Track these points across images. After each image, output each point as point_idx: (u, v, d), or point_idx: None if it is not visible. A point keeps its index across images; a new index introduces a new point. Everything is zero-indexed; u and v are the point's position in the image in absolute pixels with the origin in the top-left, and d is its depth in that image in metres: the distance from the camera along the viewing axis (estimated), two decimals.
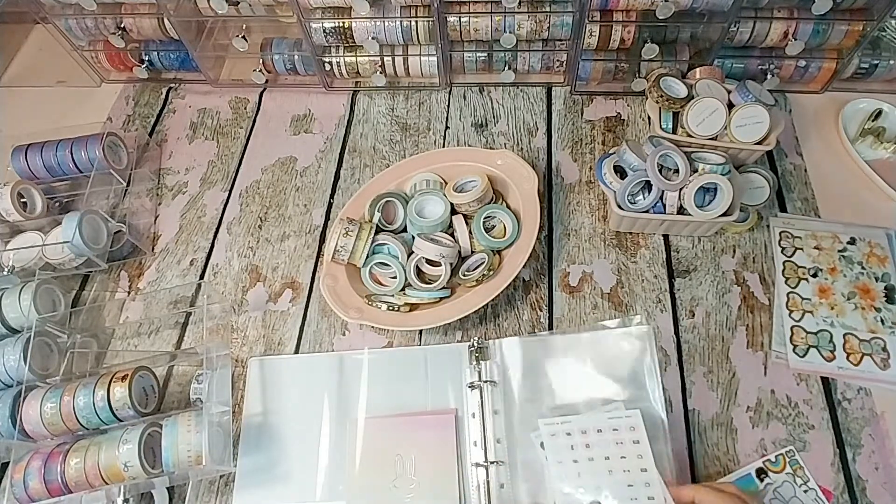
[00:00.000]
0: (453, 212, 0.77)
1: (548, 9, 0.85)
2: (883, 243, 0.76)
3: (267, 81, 0.98)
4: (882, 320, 0.71)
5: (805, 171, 0.84)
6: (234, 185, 0.90)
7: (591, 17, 0.82)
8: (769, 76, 0.88)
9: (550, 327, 0.74)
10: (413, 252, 0.74)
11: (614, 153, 0.77)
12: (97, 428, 0.65)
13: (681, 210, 0.73)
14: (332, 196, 0.87)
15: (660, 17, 0.80)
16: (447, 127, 0.93)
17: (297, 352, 0.75)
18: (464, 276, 0.74)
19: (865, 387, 0.68)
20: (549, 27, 0.86)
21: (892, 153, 0.83)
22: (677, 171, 0.72)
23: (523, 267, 0.72)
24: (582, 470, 0.61)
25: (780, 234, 0.78)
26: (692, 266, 0.77)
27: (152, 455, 0.63)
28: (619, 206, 0.75)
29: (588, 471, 0.61)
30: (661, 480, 0.59)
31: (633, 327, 0.71)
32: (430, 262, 0.74)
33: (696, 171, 0.72)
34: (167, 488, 0.66)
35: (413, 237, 0.75)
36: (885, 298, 0.72)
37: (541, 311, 0.75)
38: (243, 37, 0.91)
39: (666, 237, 0.79)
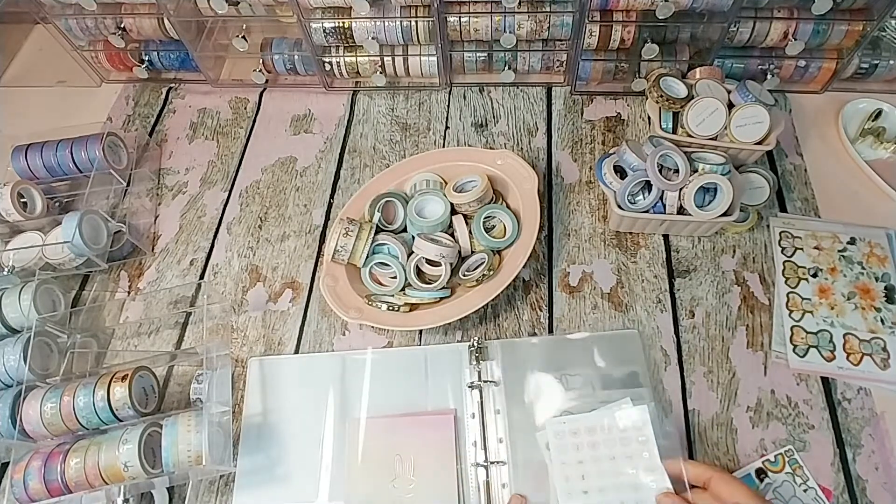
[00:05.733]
0: (453, 212, 0.77)
1: (548, 9, 0.85)
2: (883, 243, 0.76)
3: (267, 81, 0.98)
4: (882, 320, 0.71)
5: (805, 171, 0.84)
6: (234, 185, 0.90)
7: (591, 17, 0.82)
8: (769, 76, 0.88)
9: (550, 327, 0.74)
10: (413, 252, 0.74)
11: (614, 153, 0.77)
12: (97, 428, 0.65)
13: (681, 210, 0.73)
14: (332, 196, 0.87)
15: (660, 17, 0.80)
16: (447, 127, 0.93)
17: (297, 352, 0.75)
18: (464, 276, 0.74)
19: (865, 387, 0.68)
20: (549, 27, 0.86)
21: (892, 153, 0.83)
22: (677, 171, 0.72)
23: (523, 267, 0.72)
24: (586, 471, 0.61)
25: (780, 234, 0.78)
26: (692, 266, 0.77)
27: (152, 455, 0.63)
28: (619, 206, 0.75)
29: (592, 472, 0.61)
30: (667, 479, 0.59)
31: (627, 331, 0.71)
32: (430, 262, 0.74)
33: (696, 171, 0.72)
34: (167, 488, 0.66)
35: (413, 237, 0.75)
36: (885, 298, 0.72)
37: (541, 311, 0.75)
38: (243, 37, 0.91)
39: (666, 237, 0.79)
